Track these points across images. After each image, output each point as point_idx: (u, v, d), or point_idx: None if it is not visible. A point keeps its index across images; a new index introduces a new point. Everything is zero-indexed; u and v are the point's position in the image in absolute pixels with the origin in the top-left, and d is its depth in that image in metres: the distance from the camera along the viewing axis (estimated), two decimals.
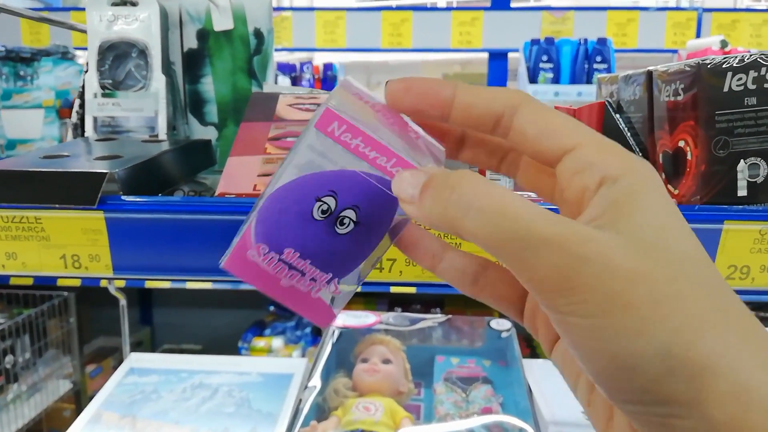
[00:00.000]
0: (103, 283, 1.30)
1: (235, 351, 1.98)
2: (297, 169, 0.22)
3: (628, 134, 0.53)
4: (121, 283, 1.34)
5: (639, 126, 0.52)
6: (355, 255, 0.24)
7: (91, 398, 2.12)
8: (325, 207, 0.23)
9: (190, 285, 1.64)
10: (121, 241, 0.41)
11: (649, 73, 0.49)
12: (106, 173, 0.40)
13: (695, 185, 0.42)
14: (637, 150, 0.51)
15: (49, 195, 0.40)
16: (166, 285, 1.65)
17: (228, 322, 2.29)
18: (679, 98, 0.44)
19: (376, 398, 0.67)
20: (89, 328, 2.21)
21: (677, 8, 2.78)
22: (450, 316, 0.89)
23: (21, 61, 1.91)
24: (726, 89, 0.40)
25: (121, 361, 2.34)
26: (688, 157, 0.43)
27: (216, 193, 0.44)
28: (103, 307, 1.85)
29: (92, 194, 0.40)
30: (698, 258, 0.18)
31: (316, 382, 0.67)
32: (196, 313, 2.26)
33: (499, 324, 0.83)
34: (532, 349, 1.93)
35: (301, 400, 0.64)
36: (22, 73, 1.91)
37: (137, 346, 2.31)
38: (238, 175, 0.46)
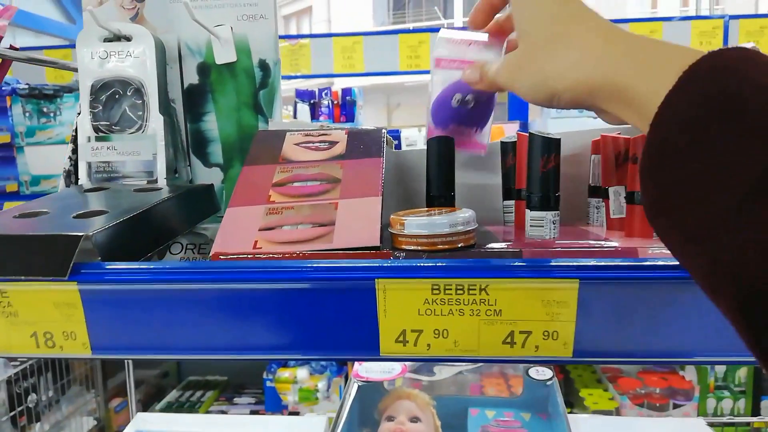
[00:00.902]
0: None
1: (260, 382, 1.94)
2: (438, 86, 0.44)
3: None
4: None
5: None
6: (481, 117, 0.45)
7: None
8: (458, 97, 0.43)
9: None
10: (100, 316, 0.35)
11: None
12: (81, 236, 0.35)
13: None
14: None
15: (15, 264, 0.34)
16: None
17: None
18: None
19: None
20: (112, 362, 2.19)
21: (702, 17, 2.67)
22: (482, 363, 0.81)
23: (44, 98, 1.93)
24: None
25: (146, 394, 2.29)
26: None
27: (210, 254, 0.38)
28: None
29: (64, 263, 0.34)
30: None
31: None
32: None
33: (539, 372, 0.75)
34: (566, 374, 1.81)
35: None
36: (45, 109, 1.93)
37: (163, 377, 2.28)
38: (236, 231, 0.40)
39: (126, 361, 1.10)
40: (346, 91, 2.62)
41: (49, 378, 1.78)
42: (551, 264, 0.33)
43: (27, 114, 1.91)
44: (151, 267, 0.35)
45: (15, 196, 1.85)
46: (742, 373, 1.57)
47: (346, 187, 0.43)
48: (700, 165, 0.22)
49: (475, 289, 0.33)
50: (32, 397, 1.67)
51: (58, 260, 0.34)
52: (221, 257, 0.37)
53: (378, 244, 0.37)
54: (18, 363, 1.61)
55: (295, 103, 2.61)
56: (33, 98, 1.88)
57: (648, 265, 0.32)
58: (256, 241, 0.38)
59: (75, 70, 0.70)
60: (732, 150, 0.22)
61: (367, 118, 3.06)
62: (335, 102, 2.61)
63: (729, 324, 0.28)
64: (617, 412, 1.51)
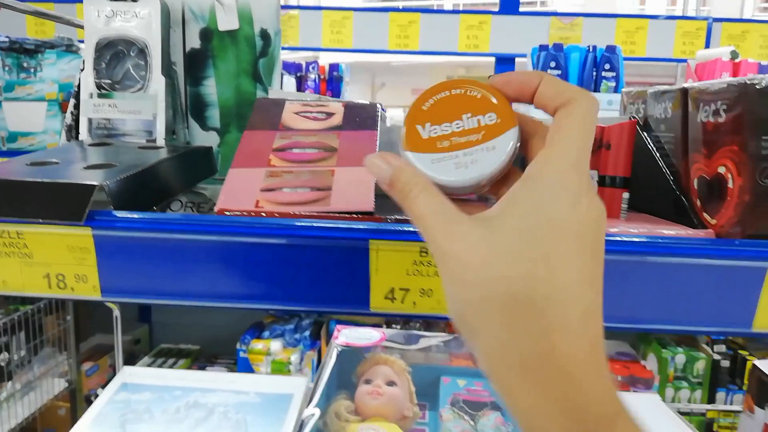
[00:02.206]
0: None
1: (233, 352, 1.96)
2: None
3: (657, 155, 0.50)
4: None
5: (670, 147, 0.48)
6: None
7: (86, 397, 2.08)
8: None
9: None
10: (111, 260, 0.38)
11: (684, 91, 0.45)
12: (96, 185, 0.37)
13: (737, 216, 0.39)
14: (668, 173, 0.48)
15: (32, 208, 0.36)
16: None
17: (226, 323, 2.26)
18: (720, 119, 0.40)
19: (379, 423, 0.63)
20: (86, 325, 2.18)
21: (687, 17, 2.74)
22: (456, 334, 0.85)
23: (24, 52, 1.87)
24: None
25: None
26: (729, 185, 0.40)
27: (215, 210, 0.40)
28: (100, 305, 1.83)
29: (79, 209, 0.36)
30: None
31: (316, 408, 0.63)
32: (194, 313, 2.24)
33: None
34: None
35: (303, 422, 0.61)
36: (25, 64, 1.88)
37: (135, 344, 2.28)
38: (239, 190, 0.42)
39: (114, 314, 1.12)
40: (334, 67, 2.62)
41: (21, 338, 1.78)
42: None
43: (6, 68, 1.85)
44: (162, 217, 0.37)
45: None
46: (700, 365, 1.65)
47: (342, 156, 0.46)
48: None
49: None
50: (4, 355, 1.67)
51: (75, 206, 0.36)
52: (226, 213, 0.40)
53: (372, 209, 0.40)
54: None
55: (281, 75, 2.59)
56: (13, 52, 1.83)
57: (617, 240, 0.36)
58: (257, 201, 0.41)
59: (56, 18, 0.70)
60: None
61: (350, 96, 3.06)
62: (322, 77, 2.61)
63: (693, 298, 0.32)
64: None
